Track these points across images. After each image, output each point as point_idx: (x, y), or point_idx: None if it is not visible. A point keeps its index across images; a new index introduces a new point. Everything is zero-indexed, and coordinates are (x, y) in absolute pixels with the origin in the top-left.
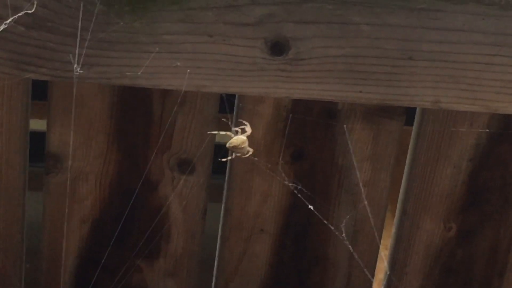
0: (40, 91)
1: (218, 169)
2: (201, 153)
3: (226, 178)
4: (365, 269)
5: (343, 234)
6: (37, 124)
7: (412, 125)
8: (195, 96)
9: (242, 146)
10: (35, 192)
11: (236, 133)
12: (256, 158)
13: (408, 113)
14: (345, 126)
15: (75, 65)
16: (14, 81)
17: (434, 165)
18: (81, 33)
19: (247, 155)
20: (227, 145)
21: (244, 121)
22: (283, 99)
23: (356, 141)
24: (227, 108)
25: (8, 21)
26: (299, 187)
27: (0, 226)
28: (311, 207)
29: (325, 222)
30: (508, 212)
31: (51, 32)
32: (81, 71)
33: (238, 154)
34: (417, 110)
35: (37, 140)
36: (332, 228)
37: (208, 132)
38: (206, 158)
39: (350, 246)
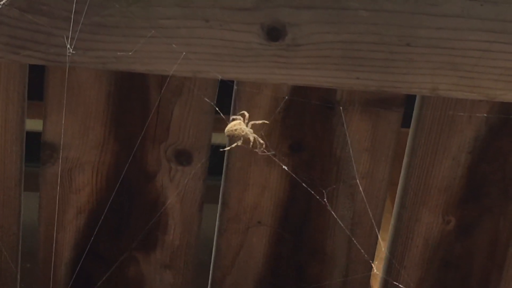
0: (36, 91)
1: (215, 170)
2: (198, 143)
3: (224, 169)
4: (365, 255)
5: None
6: (34, 124)
7: (408, 127)
8: (193, 86)
9: (235, 128)
10: (33, 192)
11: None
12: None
13: (405, 116)
14: (343, 117)
15: (68, 48)
16: (10, 72)
17: (433, 158)
18: (75, 16)
19: (251, 139)
20: (225, 133)
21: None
22: (281, 89)
23: (354, 132)
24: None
25: (2, 2)
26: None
27: None
28: (304, 184)
29: (323, 201)
30: (508, 205)
31: (45, 16)
32: (75, 55)
33: (241, 142)
34: (416, 101)
35: (34, 140)
36: (332, 212)
37: (221, 150)
38: (203, 149)
39: (349, 233)
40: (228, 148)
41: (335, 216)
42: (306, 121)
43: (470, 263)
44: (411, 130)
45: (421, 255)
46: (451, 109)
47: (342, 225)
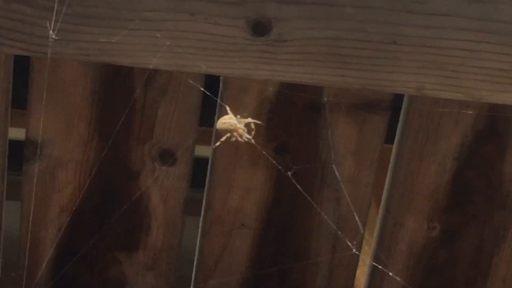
0: (20, 100)
1: (199, 182)
2: (183, 144)
3: (208, 171)
4: (353, 248)
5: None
6: (17, 133)
7: (392, 143)
8: (178, 86)
9: (224, 121)
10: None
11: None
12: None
13: (389, 131)
14: (328, 120)
15: (51, 33)
16: None
17: (419, 162)
18: (58, 7)
19: (242, 137)
20: (217, 126)
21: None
22: (267, 91)
23: (340, 136)
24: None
25: None
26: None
27: None
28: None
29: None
30: (493, 213)
31: (29, 5)
32: (58, 47)
33: (234, 137)
34: (403, 106)
35: (17, 149)
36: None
37: (213, 147)
38: (188, 149)
39: (335, 229)
40: (219, 143)
41: (321, 213)
42: (291, 123)
43: (455, 271)
44: (397, 135)
45: (405, 261)
46: (437, 116)
47: (329, 221)
